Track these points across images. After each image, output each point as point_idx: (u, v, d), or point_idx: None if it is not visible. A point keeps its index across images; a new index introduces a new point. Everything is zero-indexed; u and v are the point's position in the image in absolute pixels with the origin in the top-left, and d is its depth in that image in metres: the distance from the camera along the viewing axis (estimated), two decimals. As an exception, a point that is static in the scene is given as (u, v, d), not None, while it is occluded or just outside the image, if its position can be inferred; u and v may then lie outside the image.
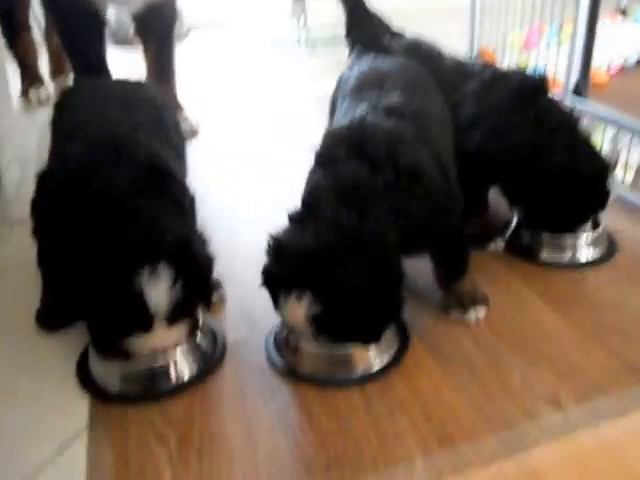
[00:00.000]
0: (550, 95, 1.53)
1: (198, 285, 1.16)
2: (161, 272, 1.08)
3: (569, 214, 1.48)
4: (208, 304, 1.25)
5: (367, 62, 1.44)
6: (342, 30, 1.67)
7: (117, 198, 1.12)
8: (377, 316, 1.10)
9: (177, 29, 2.35)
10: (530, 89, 1.49)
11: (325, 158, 1.17)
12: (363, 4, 1.66)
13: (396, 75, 1.36)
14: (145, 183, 1.16)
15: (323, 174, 1.14)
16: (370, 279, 1.05)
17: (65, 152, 1.23)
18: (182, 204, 1.21)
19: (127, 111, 1.34)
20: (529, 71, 1.59)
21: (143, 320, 1.09)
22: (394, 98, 1.26)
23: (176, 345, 1.17)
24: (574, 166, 1.43)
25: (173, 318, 1.12)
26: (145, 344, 1.13)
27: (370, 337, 1.13)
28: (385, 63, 1.42)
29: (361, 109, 1.25)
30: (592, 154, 1.47)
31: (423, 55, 1.57)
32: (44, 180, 1.22)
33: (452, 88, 1.49)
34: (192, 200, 1.28)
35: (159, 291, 1.08)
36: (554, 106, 1.50)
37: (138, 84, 1.53)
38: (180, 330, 1.16)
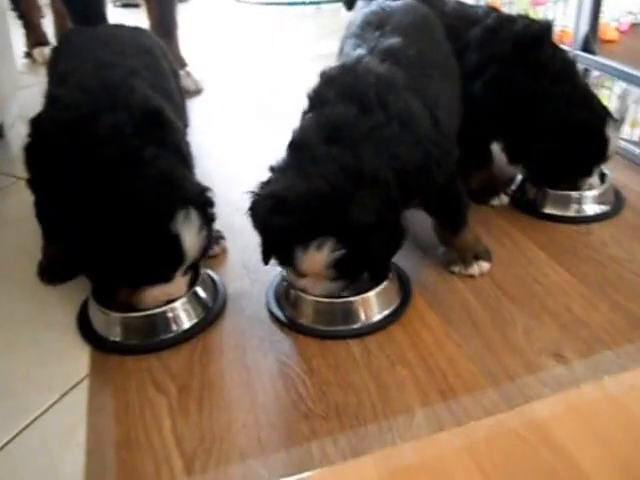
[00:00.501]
0: (554, 42, 1.49)
1: (210, 233, 1.17)
2: (193, 217, 1.09)
3: (567, 166, 1.45)
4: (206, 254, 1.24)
5: (376, 4, 1.40)
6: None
7: (127, 147, 1.10)
8: (388, 248, 1.10)
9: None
10: (534, 35, 1.45)
11: (315, 100, 1.16)
12: None
13: (400, 17, 1.32)
14: (144, 130, 1.13)
15: (313, 116, 1.12)
16: (380, 212, 1.04)
17: (58, 97, 1.19)
18: (184, 150, 1.20)
19: (122, 56, 1.30)
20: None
21: (174, 265, 1.11)
22: (392, 41, 1.23)
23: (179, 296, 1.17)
24: (569, 115, 1.41)
25: (191, 265, 1.14)
26: (162, 293, 1.14)
27: (384, 270, 1.15)
28: (392, 4, 1.38)
29: (358, 52, 1.22)
30: (589, 103, 1.45)
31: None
32: (38, 125, 1.18)
33: (455, 34, 1.45)
34: (188, 146, 1.27)
35: (192, 234, 1.10)
36: (556, 54, 1.47)
37: (136, 30, 1.49)
38: (187, 279, 1.18)
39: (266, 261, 1.14)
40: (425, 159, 1.12)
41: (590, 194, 1.48)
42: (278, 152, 1.12)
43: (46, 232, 1.28)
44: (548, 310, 1.20)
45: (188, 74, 2.29)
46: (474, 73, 1.44)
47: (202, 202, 1.13)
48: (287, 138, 1.13)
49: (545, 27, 1.48)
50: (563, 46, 1.54)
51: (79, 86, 1.19)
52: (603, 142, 1.44)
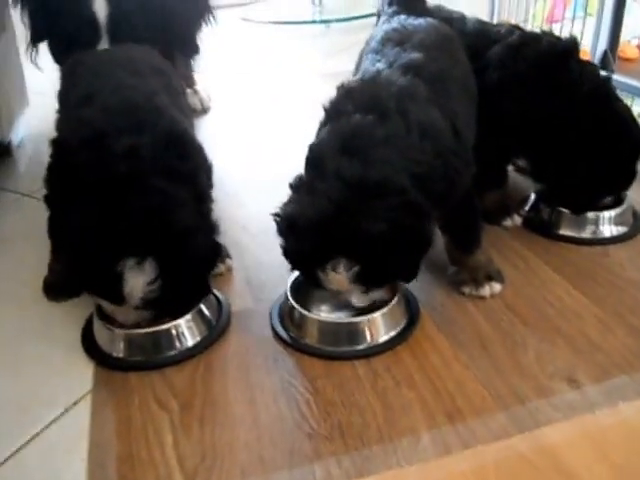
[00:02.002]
0: (583, 59, 1.45)
1: (186, 285, 1.13)
2: (146, 266, 1.05)
3: (591, 194, 1.42)
4: (200, 299, 1.21)
5: (396, 21, 1.39)
6: (357, 10, 1.61)
7: (132, 169, 1.08)
8: (412, 250, 1.06)
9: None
10: (560, 53, 1.41)
11: (333, 111, 1.13)
12: None
13: (420, 34, 1.30)
14: (164, 153, 1.13)
15: (329, 128, 1.10)
16: (393, 220, 1.00)
17: (82, 117, 1.18)
18: (198, 179, 1.18)
19: (140, 77, 1.30)
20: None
21: (115, 298, 1.08)
22: (413, 56, 1.21)
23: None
24: (598, 142, 1.37)
25: (144, 305, 1.10)
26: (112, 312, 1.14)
27: (410, 273, 1.11)
28: (414, 22, 1.37)
29: (378, 66, 1.20)
30: (623, 130, 1.39)
31: (443, 18, 1.51)
32: (61, 146, 1.18)
33: (476, 53, 1.41)
34: (210, 169, 1.26)
35: (137, 282, 1.05)
36: (585, 73, 1.41)
37: (145, 50, 1.50)
38: (144, 314, 1.14)
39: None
40: (446, 169, 1.09)
41: (607, 215, 1.44)
42: (288, 171, 1.11)
43: (55, 248, 1.28)
44: (561, 333, 1.16)
45: (196, 92, 2.28)
46: (496, 92, 1.40)
47: (176, 246, 1.08)
48: (296, 156, 1.11)
49: (571, 45, 1.43)
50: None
51: (103, 107, 1.18)
52: (631, 176, 1.41)
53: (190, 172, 1.16)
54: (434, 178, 1.07)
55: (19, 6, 1.73)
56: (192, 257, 1.10)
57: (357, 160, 1.02)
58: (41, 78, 1.68)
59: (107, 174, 1.07)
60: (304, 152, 1.11)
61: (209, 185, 1.26)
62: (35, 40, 1.76)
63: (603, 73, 1.77)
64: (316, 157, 1.08)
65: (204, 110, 2.30)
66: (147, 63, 1.40)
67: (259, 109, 2.35)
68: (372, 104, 1.09)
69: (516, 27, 1.53)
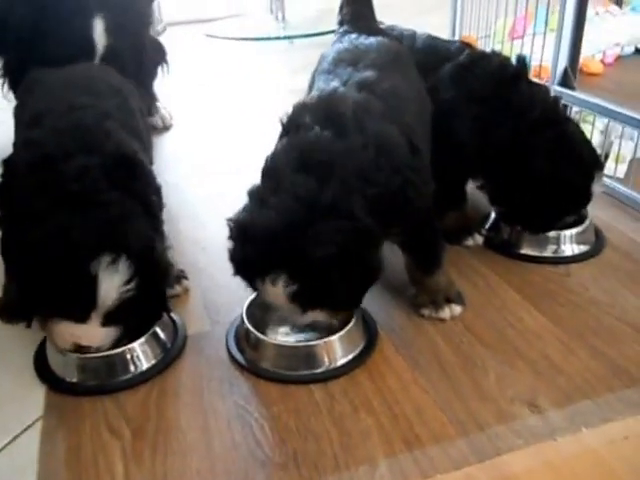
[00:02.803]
0: (534, 81, 1.45)
1: (154, 291, 1.12)
2: (120, 266, 1.03)
3: (548, 216, 1.41)
4: (159, 315, 1.20)
5: (348, 40, 1.38)
6: (321, 26, 1.61)
7: (90, 188, 1.07)
8: (358, 279, 1.05)
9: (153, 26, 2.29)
10: (510, 74, 1.41)
11: (290, 125, 1.12)
12: None
13: (372, 54, 1.29)
14: (114, 174, 1.11)
15: (286, 140, 1.09)
16: (339, 244, 0.99)
17: (31, 139, 1.17)
18: (149, 198, 1.17)
19: (94, 98, 1.28)
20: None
21: (85, 305, 1.05)
22: (366, 74, 1.20)
23: (98, 347, 1.12)
24: (556, 168, 1.36)
25: (111, 318, 1.08)
26: (69, 332, 1.08)
27: (352, 302, 1.09)
28: (365, 41, 1.36)
29: (332, 85, 1.19)
30: (577, 153, 1.39)
31: (394, 37, 1.49)
32: (10, 166, 1.16)
33: (425, 71, 1.40)
34: (158, 190, 1.24)
35: (112, 282, 1.03)
36: (537, 94, 1.42)
37: (103, 69, 1.49)
38: (109, 334, 1.11)
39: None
40: (404, 186, 1.08)
41: (568, 233, 1.43)
42: (241, 187, 1.09)
43: (8, 268, 1.24)
44: (522, 356, 1.15)
45: (157, 110, 2.26)
46: (447, 112, 1.39)
47: (144, 257, 1.07)
48: (253, 173, 1.10)
49: (521, 65, 1.43)
50: (541, 81, 1.51)
51: (53, 128, 1.17)
52: (587, 197, 1.41)
53: (139, 191, 1.14)
54: (391, 196, 1.06)
55: None
56: (154, 263, 1.10)
57: (311, 177, 1.01)
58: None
59: (58, 193, 1.06)
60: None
61: (159, 206, 1.24)
62: (15, 69, 1.73)
63: (561, 89, 1.78)
64: (272, 169, 1.07)
65: (165, 128, 2.27)
66: (104, 83, 1.39)
67: (223, 126, 2.33)
68: (329, 118, 1.08)
69: (466, 45, 1.53)
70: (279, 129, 1.15)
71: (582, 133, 1.44)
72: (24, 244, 1.06)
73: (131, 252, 1.05)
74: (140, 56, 1.82)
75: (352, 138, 1.06)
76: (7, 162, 1.17)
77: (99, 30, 1.63)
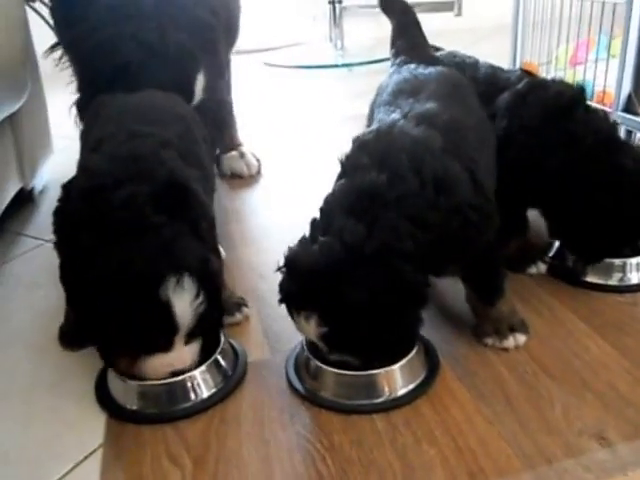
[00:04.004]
0: (591, 108, 1.42)
1: (216, 303, 1.14)
2: (185, 283, 1.05)
3: (603, 246, 1.38)
4: (220, 324, 1.22)
5: (407, 70, 1.38)
6: (378, 53, 1.62)
7: (137, 214, 1.09)
8: (389, 333, 1.04)
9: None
10: (566, 102, 1.39)
11: (348, 165, 1.13)
12: (412, 13, 1.60)
13: (433, 83, 1.29)
14: (163, 201, 1.12)
15: (343, 182, 1.10)
16: (377, 294, 1.00)
17: (88, 165, 1.20)
18: (198, 223, 1.17)
19: (155, 126, 1.30)
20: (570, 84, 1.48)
21: (167, 333, 1.07)
22: (427, 106, 1.20)
23: (189, 367, 1.13)
24: (606, 197, 1.33)
25: (193, 334, 1.10)
26: (162, 364, 1.10)
27: (384, 355, 1.09)
28: (424, 71, 1.36)
29: (393, 117, 1.19)
30: (631, 180, 1.35)
31: (456, 64, 1.49)
32: (67, 191, 1.19)
33: (486, 100, 1.40)
34: (210, 218, 1.25)
35: (184, 301, 1.05)
36: (593, 121, 1.39)
37: (170, 98, 1.49)
38: (194, 350, 1.13)
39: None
40: (465, 226, 1.07)
41: (635, 261, 1.39)
42: (309, 217, 1.10)
43: (68, 296, 1.26)
44: (589, 387, 1.12)
45: (242, 155, 2.16)
46: (504, 140, 1.38)
47: (201, 270, 1.09)
48: (319, 202, 1.11)
49: (577, 94, 1.41)
50: (604, 108, 1.48)
51: (109, 155, 1.19)
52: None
53: (188, 217, 1.15)
54: (450, 237, 1.06)
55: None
56: (211, 274, 1.12)
57: (361, 223, 1.02)
58: (67, 122, 1.68)
59: (107, 222, 1.08)
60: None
61: (210, 234, 1.25)
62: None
63: (625, 115, 1.74)
64: (327, 210, 1.09)
65: (250, 176, 2.14)
66: (168, 110, 1.40)
67: (282, 153, 2.35)
68: (386, 160, 1.08)
69: (526, 73, 1.52)
70: (339, 168, 1.15)
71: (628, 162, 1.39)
72: (85, 281, 1.07)
73: (190, 267, 1.07)
74: (221, 119, 1.84)
75: (408, 181, 1.05)
76: (65, 187, 1.19)
77: (200, 85, 1.63)
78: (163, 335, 1.08)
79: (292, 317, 1.07)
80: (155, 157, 1.19)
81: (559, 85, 1.45)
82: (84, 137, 1.44)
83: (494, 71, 1.54)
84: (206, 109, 1.65)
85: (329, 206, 1.08)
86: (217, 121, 1.77)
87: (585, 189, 1.34)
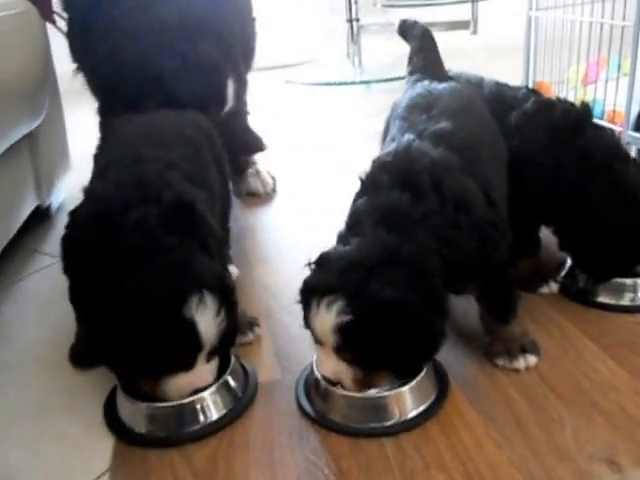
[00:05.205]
0: (598, 125, 1.44)
1: (233, 319, 1.14)
2: (207, 300, 1.06)
3: (616, 263, 1.38)
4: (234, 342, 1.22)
5: (421, 87, 1.40)
6: (397, 71, 1.63)
7: (149, 236, 1.10)
8: (409, 341, 1.03)
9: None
10: (572, 121, 1.40)
11: (369, 185, 1.15)
12: (430, 35, 1.62)
13: (447, 100, 1.31)
14: (172, 222, 1.13)
15: (366, 200, 1.12)
16: (405, 297, 1.01)
17: (95, 191, 1.22)
18: (207, 242, 1.18)
19: (162, 149, 1.31)
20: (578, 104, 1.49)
21: (191, 351, 1.08)
22: (442, 125, 1.21)
23: (206, 385, 1.14)
24: (612, 214, 1.33)
25: (214, 351, 1.11)
26: (185, 383, 1.10)
27: (400, 366, 1.08)
28: (438, 87, 1.38)
29: (408, 135, 1.21)
30: (633, 200, 1.35)
31: (462, 83, 1.50)
32: (74, 217, 1.20)
33: (493, 118, 1.41)
34: (217, 238, 1.25)
35: (207, 318, 1.07)
36: (598, 139, 1.40)
37: (180, 118, 1.49)
38: (214, 368, 1.14)
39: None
40: (482, 243, 1.09)
41: (646, 282, 1.39)
42: (325, 236, 1.12)
43: (79, 317, 1.27)
44: (599, 409, 1.11)
45: (258, 173, 2.17)
46: (514, 158, 1.39)
47: (219, 287, 1.10)
48: (336, 220, 1.13)
49: (583, 112, 1.43)
50: (614, 127, 1.48)
51: (115, 181, 1.20)
52: None
53: (196, 235, 1.16)
54: (470, 254, 1.08)
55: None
56: (227, 289, 1.13)
57: (392, 232, 1.05)
58: (85, 140, 1.70)
59: (119, 247, 1.09)
60: (343, 217, 1.13)
61: (221, 254, 1.26)
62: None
63: (635, 134, 1.74)
64: (353, 223, 1.11)
65: (266, 194, 2.14)
66: (176, 133, 1.41)
67: (298, 171, 2.36)
68: (407, 179, 1.11)
69: (532, 91, 1.53)
70: (358, 185, 1.17)
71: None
72: (101, 304, 1.08)
73: (209, 285, 1.08)
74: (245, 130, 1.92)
75: (430, 200, 1.08)
76: (72, 214, 1.21)
77: (231, 91, 1.66)
78: (188, 353, 1.09)
79: (309, 309, 1.06)
80: (161, 180, 1.20)
81: (565, 104, 1.47)
82: (95, 161, 1.44)
83: (500, 88, 1.55)
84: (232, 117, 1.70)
85: (355, 218, 1.11)
86: (241, 130, 1.86)
87: (595, 206, 1.35)
